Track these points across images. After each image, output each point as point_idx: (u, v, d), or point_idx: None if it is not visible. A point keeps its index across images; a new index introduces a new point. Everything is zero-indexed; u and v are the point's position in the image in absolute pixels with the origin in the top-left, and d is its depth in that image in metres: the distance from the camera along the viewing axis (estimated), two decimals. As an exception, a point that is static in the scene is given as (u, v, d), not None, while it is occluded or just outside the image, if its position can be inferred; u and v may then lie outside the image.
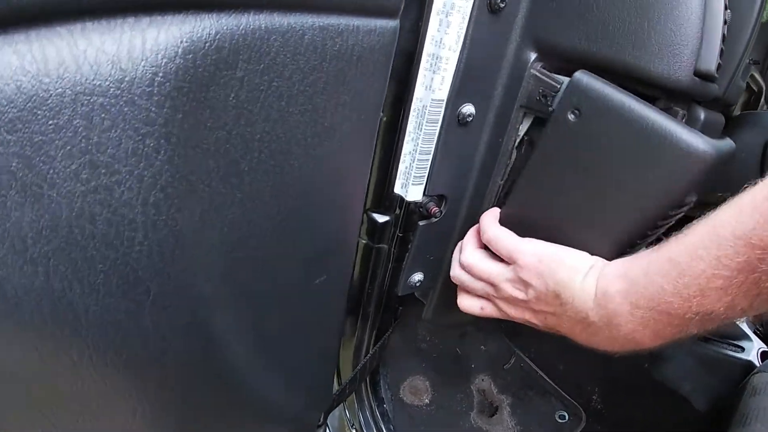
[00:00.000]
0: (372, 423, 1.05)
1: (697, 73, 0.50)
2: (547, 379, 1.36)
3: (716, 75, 0.51)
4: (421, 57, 0.53)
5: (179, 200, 0.36)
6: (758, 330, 1.52)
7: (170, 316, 0.41)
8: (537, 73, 0.56)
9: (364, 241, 0.68)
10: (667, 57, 0.49)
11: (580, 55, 0.53)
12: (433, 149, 0.58)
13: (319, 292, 0.59)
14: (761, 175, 0.56)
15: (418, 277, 0.70)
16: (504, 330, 1.42)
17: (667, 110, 0.53)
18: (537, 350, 1.41)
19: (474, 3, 0.50)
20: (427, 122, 0.55)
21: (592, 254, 0.53)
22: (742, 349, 1.30)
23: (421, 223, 0.64)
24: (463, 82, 0.54)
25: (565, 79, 0.54)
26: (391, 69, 0.49)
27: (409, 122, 0.56)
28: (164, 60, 0.31)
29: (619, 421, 1.30)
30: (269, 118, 0.39)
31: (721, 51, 0.52)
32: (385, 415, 1.07)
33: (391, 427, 1.08)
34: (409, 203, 0.62)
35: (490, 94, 0.57)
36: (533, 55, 0.56)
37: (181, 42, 0.31)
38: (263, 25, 0.35)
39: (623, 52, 0.50)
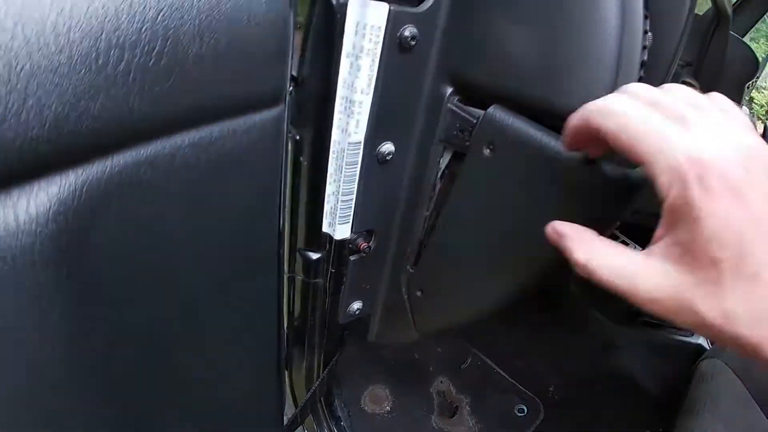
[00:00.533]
0: (332, 441, 1.06)
1: None
2: (505, 375, 1.39)
3: None
4: (335, 101, 0.53)
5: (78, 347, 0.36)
6: None
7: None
8: (454, 108, 0.56)
9: (300, 278, 0.69)
10: (579, 94, 0.48)
11: (493, 89, 0.53)
12: (355, 189, 0.58)
13: (250, 341, 0.60)
14: None
15: (357, 305, 0.71)
16: (460, 330, 1.45)
17: None
18: (493, 348, 1.43)
19: (383, 44, 0.49)
20: (346, 165, 0.55)
21: (514, 287, 0.54)
22: (691, 333, 1.35)
23: (352, 257, 0.64)
24: (380, 122, 0.54)
25: (481, 113, 0.54)
26: (287, 141, 0.50)
27: (329, 165, 0.56)
28: (38, 228, 0.30)
29: (577, 411, 1.34)
30: (157, 239, 0.40)
31: (640, 79, 0.53)
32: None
33: None
34: (339, 241, 0.63)
35: (410, 131, 0.58)
36: (449, 90, 0.56)
37: (51, 206, 0.30)
38: (129, 162, 0.34)
39: (535, 88, 0.50)
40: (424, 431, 1.22)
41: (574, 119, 0.41)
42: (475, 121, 0.54)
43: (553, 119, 0.51)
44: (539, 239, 0.54)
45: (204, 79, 0.36)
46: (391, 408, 1.25)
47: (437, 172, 0.61)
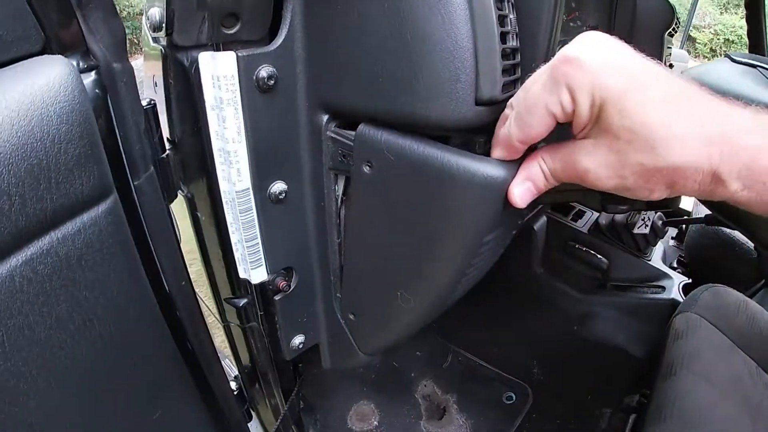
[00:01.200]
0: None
1: (480, 103, 0.49)
2: (488, 366, 1.40)
3: (500, 98, 0.50)
4: (213, 155, 0.53)
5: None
6: (681, 258, 1.59)
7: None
8: (332, 135, 0.56)
9: (235, 324, 0.69)
10: (440, 99, 0.48)
11: (363, 110, 0.53)
12: (258, 233, 0.58)
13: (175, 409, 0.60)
14: None
15: (298, 339, 0.71)
16: (436, 330, 1.45)
17: (466, 143, 0.55)
18: (471, 341, 1.44)
19: (241, 91, 0.49)
20: (240, 212, 0.55)
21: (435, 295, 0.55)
22: (663, 289, 1.36)
23: (276, 297, 0.64)
24: (263, 164, 0.54)
25: (354, 135, 0.55)
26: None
27: (226, 215, 0.57)
28: None
29: (564, 385, 1.34)
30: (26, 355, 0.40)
31: (513, 66, 0.53)
32: None
33: None
34: (260, 284, 0.63)
35: (297, 166, 0.58)
36: (325, 118, 0.56)
37: None
38: None
39: (397, 103, 0.50)
40: (415, 440, 1.23)
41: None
42: (352, 144, 0.55)
43: (428, 129, 0.51)
44: (432, 251, 0.54)
45: (16, 201, 0.36)
46: (378, 422, 1.25)
47: (336, 200, 0.61)
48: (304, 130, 0.56)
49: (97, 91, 0.43)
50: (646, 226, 1.22)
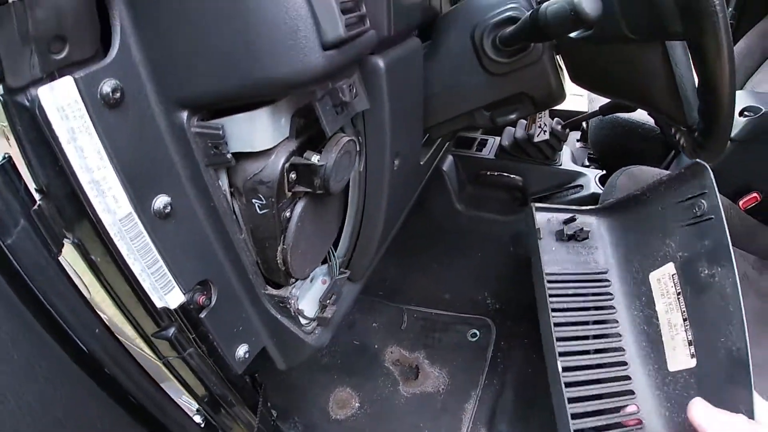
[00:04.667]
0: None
1: (328, 47, 0.49)
2: (444, 312, 1.42)
3: (346, 36, 0.50)
4: (85, 191, 0.50)
5: None
6: (591, 156, 1.66)
7: None
8: (197, 129, 0.54)
9: (174, 356, 0.66)
10: (287, 55, 0.48)
11: (217, 94, 0.52)
12: (157, 255, 0.55)
13: None
14: None
15: (242, 350, 0.69)
16: (383, 296, 1.46)
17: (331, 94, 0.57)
18: (419, 296, 1.46)
19: (89, 113, 0.46)
20: (132, 240, 0.52)
21: None
22: (582, 187, 1.42)
23: (202, 315, 0.62)
24: (137, 183, 0.51)
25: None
26: None
27: (119, 248, 0.53)
28: None
29: (520, 305, 1.38)
30: None
31: (355, 5, 0.53)
32: None
33: None
34: (180, 307, 0.60)
35: (174, 173, 0.55)
36: (185, 114, 0.54)
37: None
38: None
39: (249, 73, 0.49)
40: (400, 405, 1.24)
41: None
42: (219, 132, 0.54)
43: (282, 92, 0.53)
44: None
45: None
46: (360, 403, 1.25)
47: (225, 194, 0.59)
48: (168, 133, 0.54)
49: None
50: (545, 132, 1.27)
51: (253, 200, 0.60)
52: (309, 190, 0.62)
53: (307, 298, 0.80)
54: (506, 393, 1.23)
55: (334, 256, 0.82)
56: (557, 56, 0.87)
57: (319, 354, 1.28)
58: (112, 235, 0.52)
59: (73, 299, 0.52)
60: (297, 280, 0.73)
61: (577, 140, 1.78)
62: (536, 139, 1.29)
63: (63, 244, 0.53)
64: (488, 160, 1.44)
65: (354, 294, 0.88)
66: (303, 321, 0.76)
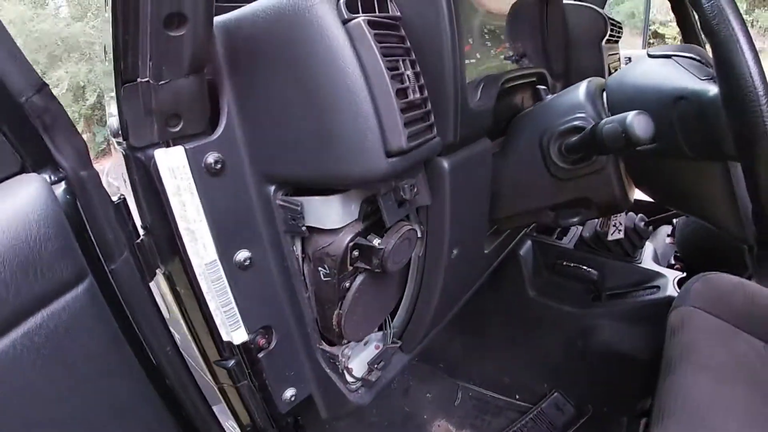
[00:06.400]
0: None
1: (391, 155, 0.58)
2: (499, 396, 1.41)
3: (407, 148, 0.58)
4: (181, 235, 0.61)
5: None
6: (676, 254, 1.60)
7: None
8: (281, 203, 0.65)
9: (229, 384, 0.75)
10: (357, 157, 0.57)
11: (300, 177, 0.63)
12: (231, 298, 0.65)
13: None
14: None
15: (290, 393, 0.77)
16: (444, 368, 1.48)
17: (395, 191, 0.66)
18: (477, 374, 1.46)
19: (194, 177, 0.58)
20: (212, 282, 0.62)
21: None
22: (658, 288, 1.37)
23: (260, 355, 0.70)
24: (224, 237, 0.62)
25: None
26: None
27: (202, 286, 0.64)
28: None
29: (578, 402, 1.34)
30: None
31: (425, 114, 0.61)
32: None
33: None
34: (242, 344, 0.69)
35: (257, 233, 0.65)
36: (272, 188, 0.64)
37: None
38: None
39: (325, 166, 0.59)
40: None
41: None
42: (298, 208, 0.63)
43: (350, 185, 0.63)
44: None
45: (12, 289, 0.44)
46: (397, 468, 1.27)
47: (297, 259, 0.68)
48: (256, 202, 0.64)
49: (67, 196, 0.51)
50: (619, 231, 1.26)
51: (319, 268, 0.69)
52: (368, 267, 0.70)
53: (359, 358, 0.86)
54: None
55: (389, 325, 0.88)
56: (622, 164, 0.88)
57: (368, 412, 1.33)
58: (197, 274, 0.63)
59: (154, 318, 0.62)
60: (350, 341, 0.81)
61: (668, 235, 1.71)
62: (609, 238, 1.28)
63: (155, 274, 0.64)
64: (567, 249, 1.44)
65: (403, 363, 0.93)
66: (350, 379, 0.83)
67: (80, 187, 0.53)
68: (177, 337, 0.88)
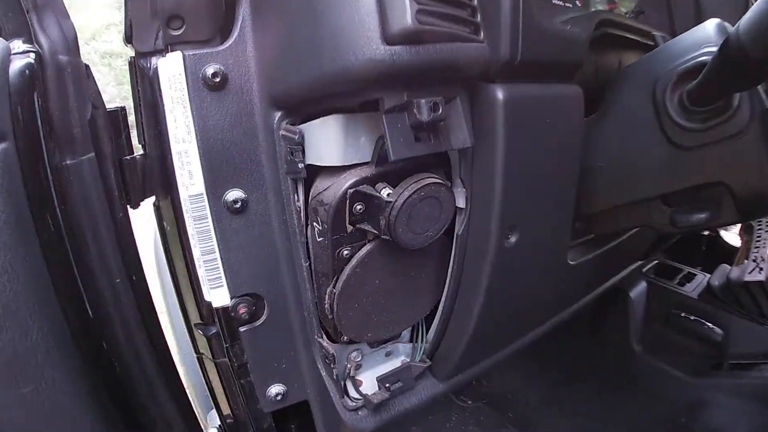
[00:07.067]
0: None
1: (392, 40, 0.42)
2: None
3: (413, 28, 0.42)
4: (172, 158, 0.51)
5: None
6: None
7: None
8: (283, 132, 0.52)
9: (208, 357, 0.62)
10: (347, 47, 0.44)
11: (299, 92, 0.50)
12: (215, 246, 0.53)
13: None
14: None
15: (276, 389, 0.62)
16: (510, 418, 1.25)
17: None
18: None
19: (188, 89, 0.49)
20: (194, 220, 0.51)
21: None
22: None
23: (242, 329, 0.57)
24: (215, 168, 0.51)
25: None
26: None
27: (188, 226, 0.53)
28: None
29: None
30: None
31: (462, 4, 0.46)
32: None
33: None
34: (222, 309, 0.56)
35: (258, 173, 0.53)
36: (277, 115, 0.52)
37: None
38: None
39: (316, 68, 0.47)
40: None
41: None
42: (296, 137, 0.51)
43: (340, 87, 0.48)
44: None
45: None
46: None
47: (298, 213, 0.55)
48: (260, 132, 0.53)
49: (26, 72, 0.43)
50: (761, 269, 0.98)
51: (314, 223, 0.55)
52: (374, 231, 0.54)
53: (375, 371, 0.70)
54: None
55: (422, 337, 0.71)
56: None
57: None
58: (183, 210, 0.52)
59: (106, 242, 0.52)
60: (351, 340, 0.64)
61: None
62: (747, 278, 1.02)
63: (141, 200, 0.55)
64: (688, 298, 1.19)
65: (432, 392, 0.74)
66: (352, 392, 0.67)
67: (56, 70, 0.46)
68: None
